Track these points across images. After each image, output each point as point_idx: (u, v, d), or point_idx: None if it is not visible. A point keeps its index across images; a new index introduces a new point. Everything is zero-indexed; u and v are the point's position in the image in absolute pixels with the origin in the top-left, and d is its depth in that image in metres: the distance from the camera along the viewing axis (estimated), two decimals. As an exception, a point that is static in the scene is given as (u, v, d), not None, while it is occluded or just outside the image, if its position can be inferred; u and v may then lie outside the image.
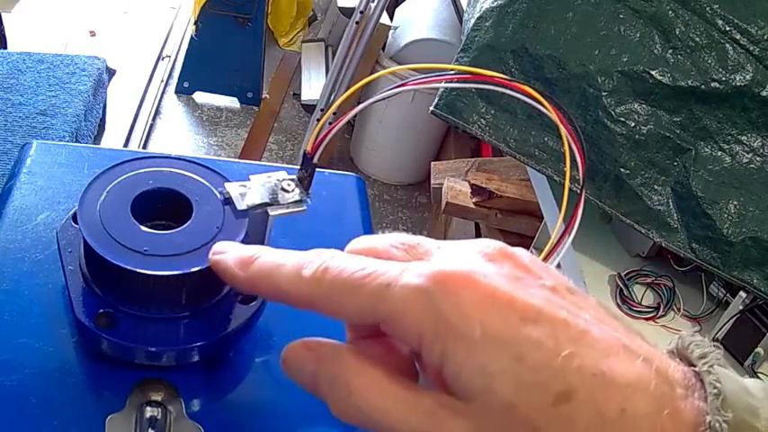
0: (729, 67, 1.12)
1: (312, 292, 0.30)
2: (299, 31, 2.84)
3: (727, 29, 1.12)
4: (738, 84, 1.11)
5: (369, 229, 0.60)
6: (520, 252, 0.29)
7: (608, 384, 0.24)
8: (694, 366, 0.26)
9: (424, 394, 0.27)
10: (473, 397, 0.25)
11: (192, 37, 2.54)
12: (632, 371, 0.25)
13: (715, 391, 0.25)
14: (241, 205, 0.45)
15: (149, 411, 0.41)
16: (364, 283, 0.28)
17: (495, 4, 1.22)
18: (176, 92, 2.74)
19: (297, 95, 2.75)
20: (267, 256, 0.33)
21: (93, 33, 2.86)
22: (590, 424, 0.24)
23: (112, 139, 2.20)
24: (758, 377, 1.13)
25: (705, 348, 0.27)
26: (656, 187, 1.17)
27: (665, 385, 0.25)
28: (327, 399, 0.30)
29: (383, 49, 2.28)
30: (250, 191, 0.46)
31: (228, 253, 0.35)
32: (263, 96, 2.73)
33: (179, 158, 0.48)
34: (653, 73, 1.14)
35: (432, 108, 1.26)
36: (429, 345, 0.26)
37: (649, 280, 1.28)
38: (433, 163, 2.09)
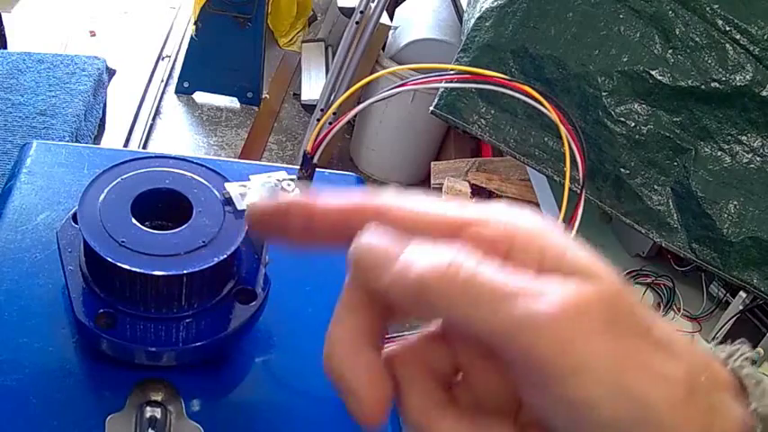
0: (729, 67, 1.12)
1: (441, 289, 0.24)
2: (299, 31, 2.83)
3: (727, 29, 1.12)
4: (738, 84, 1.11)
5: (369, 229, 0.60)
6: None
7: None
8: (726, 365, 0.27)
9: None
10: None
11: (192, 37, 2.53)
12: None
13: (754, 381, 0.25)
14: (241, 205, 0.45)
15: (149, 411, 0.41)
16: (514, 293, 0.23)
17: (495, 4, 1.22)
18: (176, 92, 2.74)
19: (297, 95, 2.75)
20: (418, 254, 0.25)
21: (93, 33, 2.86)
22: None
23: (112, 139, 2.19)
24: (758, 377, 1.13)
25: (731, 348, 0.28)
26: (656, 187, 1.17)
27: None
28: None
29: (383, 49, 2.28)
30: (250, 191, 0.46)
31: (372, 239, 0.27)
32: (263, 96, 2.73)
33: (179, 158, 0.48)
34: (653, 73, 1.14)
35: (432, 108, 1.26)
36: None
37: (649, 280, 1.28)
38: (433, 163, 2.09)
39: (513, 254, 0.24)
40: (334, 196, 0.28)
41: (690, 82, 1.13)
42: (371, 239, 0.26)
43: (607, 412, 0.23)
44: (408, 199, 0.27)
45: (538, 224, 0.25)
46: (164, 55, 2.86)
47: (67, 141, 1.54)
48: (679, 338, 0.25)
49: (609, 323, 0.23)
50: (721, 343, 1.07)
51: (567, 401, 0.23)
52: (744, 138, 1.13)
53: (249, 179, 0.46)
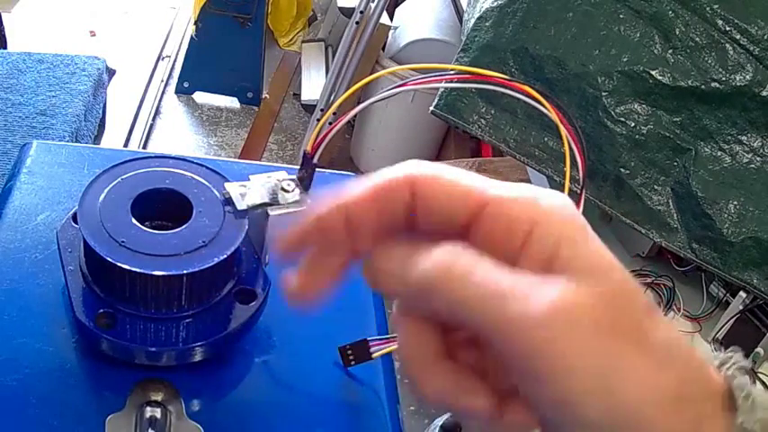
0: (729, 67, 1.12)
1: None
2: (299, 31, 2.83)
3: (727, 29, 1.12)
4: (738, 84, 1.11)
5: (369, 229, 0.60)
6: None
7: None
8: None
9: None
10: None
11: (192, 37, 2.53)
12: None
13: (744, 393, 0.25)
14: (241, 205, 0.45)
15: (149, 411, 0.41)
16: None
17: (495, 4, 1.22)
18: (176, 92, 2.74)
19: (297, 95, 2.75)
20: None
21: (93, 33, 2.86)
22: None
23: (112, 139, 2.19)
24: (758, 377, 1.13)
25: (724, 355, 0.27)
26: (656, 187, 1.17)
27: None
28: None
29: (383, 49, 2.28)
30: (250, 191, 0.46)
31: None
32: (263, 96, 2.73)
33: (179, 158, 0.48)
34: (653, 73, 1.14)
35: (432, 108, 1.26)
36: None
37: (649, 280, 1.28)
38: (432, 163, 2.08)
39: (530, 242, 0.25)
40: (339, 193, 0.27)
41: (690, 82, 1.13)
42: (381, 256, 0.27)
43: (591, 413, 0.23)
44: (437, 170, 0.27)
45: (560, 210, 0.25)
46: (164, 55, 2.86)
47: (67, 141, 1.54)
48: (678, 342, 0.25)
49: (600, 326, 0.23)
50: (722, 343, 1.06)
51: (552, 401, 0.23)
52: (744, 138, 1.13)
53: (249, 179, 0.46)
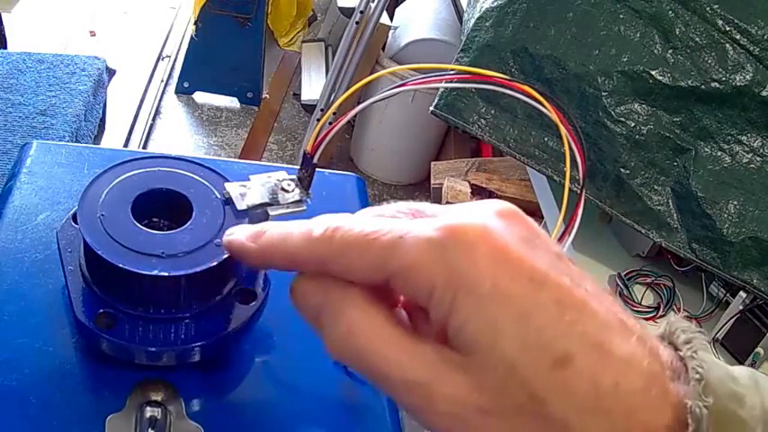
0: (729, 67, 1.12)
1: (323, 251, 0.29)
2: (299, 31, 2.83)
3: (727, 29, 1.12)
4: (738, 84, 1.11)
5: (369, 229, 0.59)
6: (528, 217, 0.29)
7: (606, 356, 0.25)
8: (680, 351, 0.27)
9: (426, 344, 0.27)
10: (476, 351, 0.25)
11: (192, 37, 2.53)
12: (628, 347, 0.25)
13: (697, 376, 0.25)
14: (241, 205, 0.45)
15: (149, 411, 0.41)
16: (376, 237, 0.28)
17: (495, 4, 1.22)
18: (176, 92, 2.74)
19: (297, 95, 2.75)
20: (277, 227, 0.33)
21: (93, 33, 2.86)
22: (584, 393, 0.24)
23: (112, 139, 2.19)
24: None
25: (690, 334, 0.27)
26: (656, 187, 1.17)
27: (657, 364, 0.26)
28: (325, 332, 0.29)
29: (383, 49, 2.28)
30: (250, 191, 0.46)
31: (239, 231, 0.35)
32: (263, 96, 2.73)
33: (179, 158, 0.48)
34: (653, 73, 1.14)
35: (432, 108, 1.26)
36: (439, 296, 0.26)
37: (649, 280, 1.28)
38: (433, 163, 2.09)
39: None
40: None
41: (690, 82, 1.13)
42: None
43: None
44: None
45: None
46: (164, 55, 2.86)
47: (67, 141, 1.54)
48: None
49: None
50: (722, 343, 1.05)
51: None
52: (744, 138, 1.13)
53: (249, 179, 0.46)
